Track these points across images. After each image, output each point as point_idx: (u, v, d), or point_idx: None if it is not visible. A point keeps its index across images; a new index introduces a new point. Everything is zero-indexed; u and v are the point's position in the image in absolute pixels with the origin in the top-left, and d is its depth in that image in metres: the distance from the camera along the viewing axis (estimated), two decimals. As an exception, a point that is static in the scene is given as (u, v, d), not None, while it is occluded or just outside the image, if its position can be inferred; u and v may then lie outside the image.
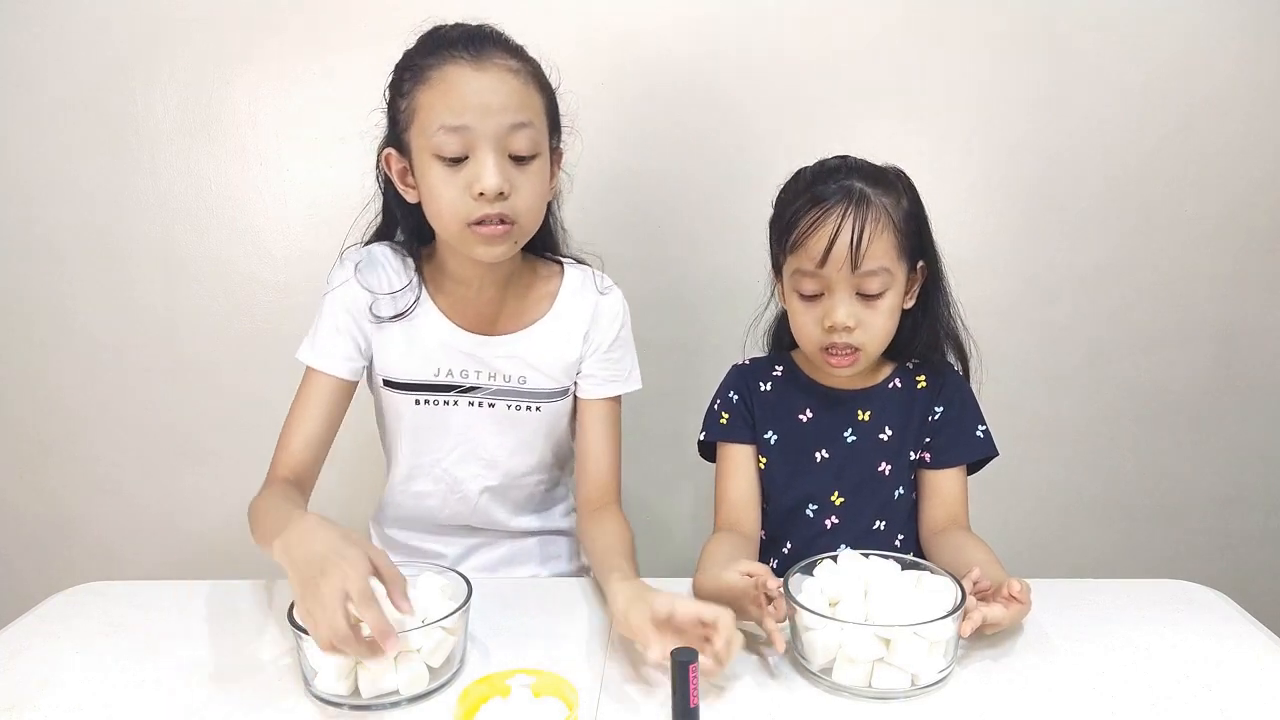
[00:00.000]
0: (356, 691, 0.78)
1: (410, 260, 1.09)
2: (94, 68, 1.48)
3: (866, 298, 1.00)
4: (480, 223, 0.96)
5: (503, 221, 0.97)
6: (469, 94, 0.94)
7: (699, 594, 0.92)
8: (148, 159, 1.52)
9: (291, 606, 0.80)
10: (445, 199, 0.97)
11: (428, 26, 1.00)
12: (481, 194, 0.94)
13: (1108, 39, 1.46)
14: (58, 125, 1.50)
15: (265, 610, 0.96)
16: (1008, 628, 0.86)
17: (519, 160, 0.97)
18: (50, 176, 1.52)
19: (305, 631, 0.76)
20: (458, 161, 0.96)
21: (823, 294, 1.02)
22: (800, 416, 1.12)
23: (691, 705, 0.71)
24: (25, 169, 1.52)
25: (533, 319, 1.11)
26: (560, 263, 1.15)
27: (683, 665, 0.71)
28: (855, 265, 0.98)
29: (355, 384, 1.07)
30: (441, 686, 0.80)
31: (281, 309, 1.57)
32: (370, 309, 1.06)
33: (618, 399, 1.15)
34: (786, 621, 0.85)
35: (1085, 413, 1.62)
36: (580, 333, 1.12)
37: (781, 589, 0.84)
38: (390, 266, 1.09)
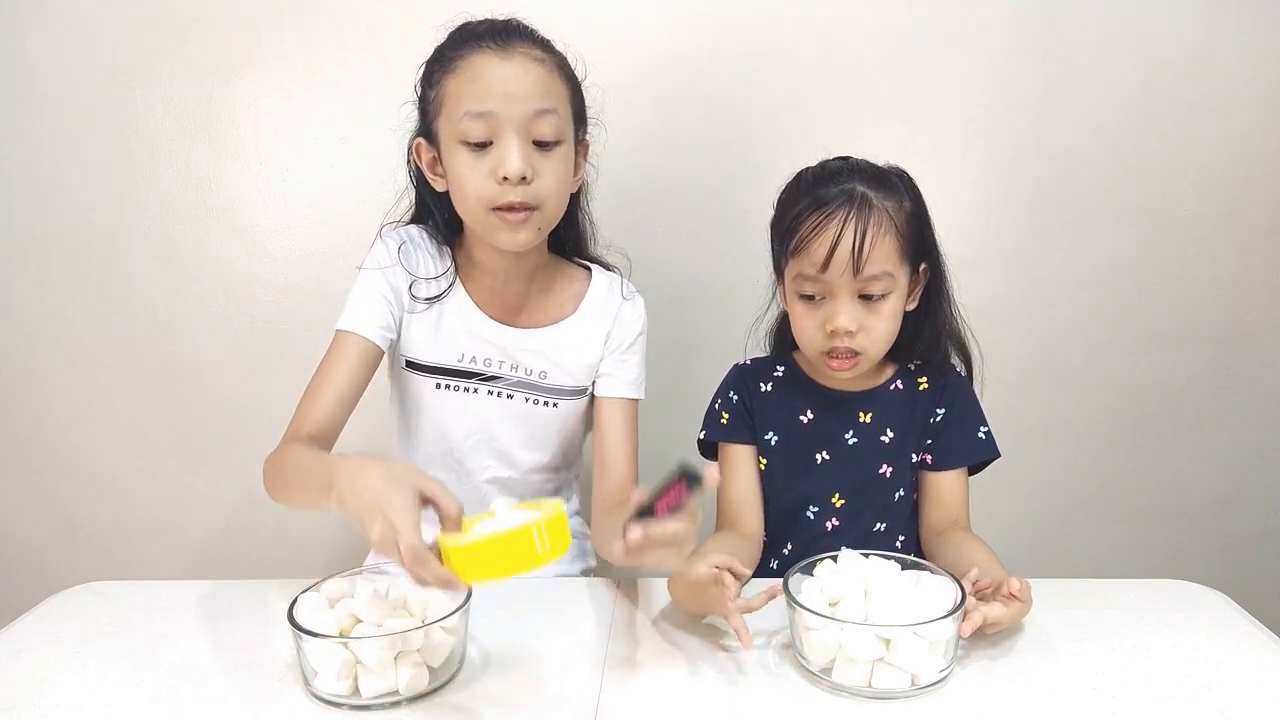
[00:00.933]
0: (356, 691, 0.77)
1: (445, 247, 1.11)
2: (94, 68, 1.48)
3: (869, 301, 1.00)
4: (503, 209, 0.98)
5: (524, 208, 0.99)
6: (494, 81, 0.96)
7: (672, 592, 0.93)
8: (148, 159, 1.52)
9: (292, 606, 0.80)
10: (470, 183, 0.99)
11: (458, 22, 1.03)
12: (505, 178, 0.96)
13: (1108, 39, 1.46)
14: (58, 125, 1.50)
15: (265, 610, 0.95)
16: (1008, 627, 0.86)
17: (542, 146, 0.99)
18: (50, 176, 1.52)
19: (305, 631, 0.77)
20: (483, 147, 0.98)
21: (824, 298, 1.01)
22: (801, 418, 1.12)
23: (657, 513, 0.75)
24: (25, 169, 1.52)
25: (559, 317, 1.13)
26: (589, 268, 1.17)
27: (678, 474, 0.77)
28: (857, 270, 0.97)
29: (381, 356, 1.07)
30: (441, 686, 0.80)
31: (281, 309, 1.57)
32: (410, 290, 1.08)
33: (635, 402, 1.16)
34: (787, 623, 0.85)
35: (1085, 413, 1.62)
36: (603, 334, 1.14)
37: (745, 579, 0.86)
38: (427, 250, 1.11)
